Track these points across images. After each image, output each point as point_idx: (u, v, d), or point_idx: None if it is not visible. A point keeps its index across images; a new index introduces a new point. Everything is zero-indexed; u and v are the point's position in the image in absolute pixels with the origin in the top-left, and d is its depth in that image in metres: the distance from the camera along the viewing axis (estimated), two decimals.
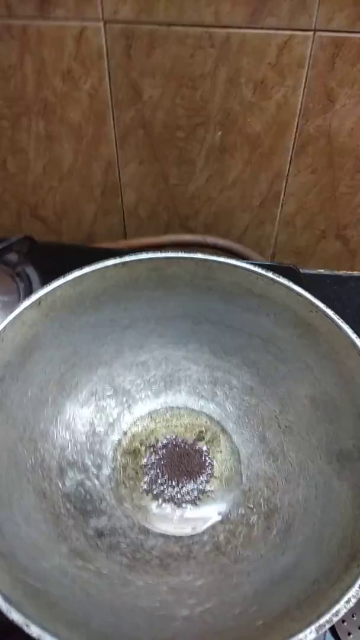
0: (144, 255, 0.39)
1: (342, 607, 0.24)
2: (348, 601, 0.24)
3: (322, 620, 0.24)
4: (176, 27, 0.47)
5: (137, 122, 0.54)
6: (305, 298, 0.37)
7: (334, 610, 0.24)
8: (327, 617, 0.24)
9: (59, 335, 0.38)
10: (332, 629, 0.36)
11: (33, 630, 0.23)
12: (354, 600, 0.24)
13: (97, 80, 0.52)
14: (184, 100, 0.52)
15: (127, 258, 0.39)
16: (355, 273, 0.65)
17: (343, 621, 0.35)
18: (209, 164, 0.56)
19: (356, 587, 0.25)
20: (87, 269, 0.38)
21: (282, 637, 0.23)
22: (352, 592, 0.25)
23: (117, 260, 0.39)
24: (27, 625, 0.24)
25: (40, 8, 0.47)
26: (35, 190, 0.62)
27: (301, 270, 0.57)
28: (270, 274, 0.38)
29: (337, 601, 0.24)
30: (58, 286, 0.37)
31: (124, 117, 0.54)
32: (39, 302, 0.37)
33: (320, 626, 0.24)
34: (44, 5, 0.47)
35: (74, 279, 0.38)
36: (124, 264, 0.39)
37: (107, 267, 0.38)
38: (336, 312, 0.36)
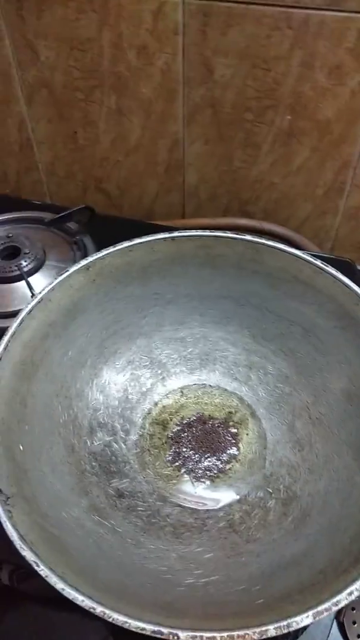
0: (193, 232, 0.39)
1: (343, 598, 0.24)
2: (350, 593, 0.24)
3: (320, 608, 0.24)
4: (254, 5, 0.46)
5: (207, 101, 0.54)
6: (352, 290, 0.36)
7: (334, 600, 0.24)
8: (326, 605, 0.24)
9: (103, 302, 0.40)
10: (341, 627, 0.35)
11: (42, 569, 0.25)
12: (356, 594, 0.24)
13: (171, 57, 0.52)
14: (256, 81, 0.51)
15: (176, 234, 0.39)
16: None
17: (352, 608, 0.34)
18: (275, 148, 0.56)
19: None
20: (136, 241, 0.39)
21: (278, 617, 0.24)
22: (356, 585, 0.24)
23: (166, 235, 0.39)
24: (37, 564, 0.25)
25: None
26: (102, 163, 0.63)
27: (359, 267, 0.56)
28: (318, 262, 0.37)
29: (339, 592, 0.24)
30: (107, 254, 0.38)
31: (194, 95, 0.54)
32: (87, 267, 0.38)
33: (318, 612, 0.23)
34: None
35: (123, 249, 0.39)
36: (173, 238, 0.39)
37: (156, 240, 0.39)
38: None
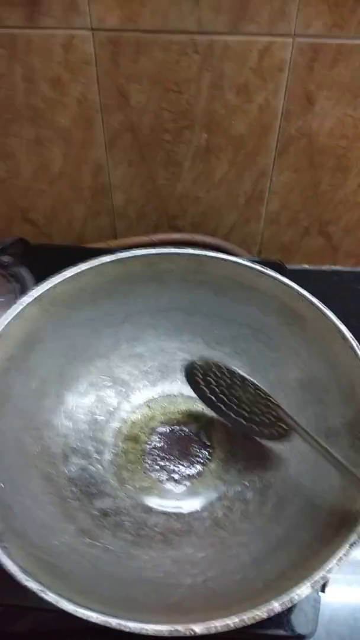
0: (138, 252, 0.41)
1: (333, 565, 0.26)
2: (339, 559, 0.27)
3: (316, 577, 0.26)
4: (161, 34, 0.49)
5: (125, 126, 0.56)
6: (292, 288, 0.39)
7: (326, 568, 0.26)
8: (321, 573, 0.26)
9: (58, 330, 0.40)
10: None
11: (50, 596, 0.25)
12: (344, 558, 0.27)
13: (86, 87, 0.54)
14: (170, 104, 0.54)
15: (122, 255, 0.41)
16: (337, 267, 0.68)
17: None
18: (195, 164, 0.59)
19: (346, 546, 0.27)
20: (84, 266, 0.40)
21: (279, 593, 0.26)
22: (342, 551, 0.27)
23: (114, 257, 0.41)
24: (44, 592, 0.25)
25: (29, 18, 0.49)
26: (25, 194, 0.63)
27: (287, 266, 0.60)
28: (258, 267, 0.40)
29: (328, 559, 0.26)
30: (58, 283, 0.39)
31: (113, 121, 0.56)
32: (40, 298, 0.38)
33: (316, 582, 0.26)
34: (33, 15, 0.49)
35: (73, 276, 0.39)
36: (120, 260, 0.41)
37: (104, 263, 0.40)
38: None
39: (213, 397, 0.39)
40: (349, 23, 0.47)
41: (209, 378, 0.39)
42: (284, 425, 0.35)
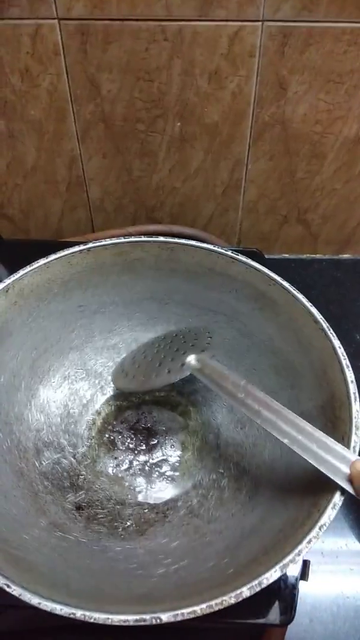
0: (108, 241, 0.41)
1: (304, 547, 0.26)
2: (309, 541, 0.26)
3: (286, 560, 0.25)
4: (129, 21, 0.49)
5: (97, 117, 0.55)
6: (263, 272, 0.38)
7: (296, 550, 0.26)
8: (290, 556, 0.25)
9: (28, 322, 0.40)
10: None
11: (14, 589, 0.25)
12: (314, 541, 0.26)
13: (56, 77, 0.53)
14: (142, 93, 0.53)
15: (91, 244, 0.40)
16: (317, 256, 0.67)
17: None
18: (170, 154, 0.58)
19: (316, 528, 0.26)
20: (52, 257, 0.39)
21: (249, 579, 0.25)
22: (313, 533, 0.26)
23: (82, 247, 0.40)
24: (8, 586, 0.25)
25: None
26: (0, 189, 0.63)
27: (266, 256, 0.60)
28: (229, 252, 0.39)
29: (299, 543, 0.26)
30: (25, 274, 0.38)
31: (84, 112, 0.55)
32: (6, 290, 0.38)
33: (284, 565, 0.25)
34: None
35: (40, 267, 0.39)
36: (88, 250, 0.40)
37: (73, 253, 0.40)
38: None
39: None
40: (318, 6, 0.47)
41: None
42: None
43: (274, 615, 0.33)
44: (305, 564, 0.35)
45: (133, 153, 0.58)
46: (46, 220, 0.66)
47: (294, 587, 0.35)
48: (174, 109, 0.54)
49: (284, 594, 0.34)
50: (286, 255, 0.67)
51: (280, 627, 0.35)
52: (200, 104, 0.54)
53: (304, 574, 0.36)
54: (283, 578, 0.32)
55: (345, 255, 0.68)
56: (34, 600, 0.24)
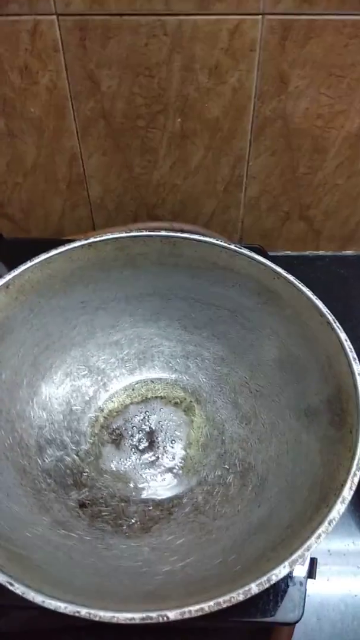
0: (109, 236, 0.40)
1: (313, 542, 0.25)
2: (318, 537, 0.26)
3: (295, 556, 0.25)
4: (128, 16, 0.48)
5: (97, 113, 0.55)
6: (267, 266, 0.38)
7: (305, 546, 0.25)
8: (299, 552, 0.25)
9: (29, 319, 0.39)
10: None
11: (17, 587, 0.24)
12: (323, 536, 0.26)
13: (55, 74, 0.52)
14: (142, 89, 0.53)
15: (92, 239, 0.40)
16: (320, 252, 0.67)
17: None
18: (171, 151, 0.58)
19: (325, 523, 0.26)
20: (53, 252, 0.39)
21: (258, 576, 0.25)
22: (322, 528, 0.26)
23: (83, 242, 0.39)
24: (11, 584, 0.24)
25: None
26: (0, 188, 0.62)
27: (269, 253, 0.59)
28: (232, 246, 0.39)
29: (308, 538, 0.25)
30: (25, 269, 0.38)
31: (84, 108, 0.55)
32: (7, 285, 0.37)
33: (293, 561, 0.25)
34: None
35: (41, 262, 0.38)
36: (90, 244, 0.39)
37: (74, 248, 0.39)
38: None
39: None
40: None
41: None
42: None
43: (282, 613, 0.32)
44: (313, 562, 0.34)
45: (133, 150, 0.58)
46: (47, 219, 0.65)
47: (301, 585, 0.34)
48: (174, 105, 0.54)
49: (291, 592, 0.34)
50: (289, 252, 0.66)
51: (288, 625, 0.34)
52: (200, 99, 0.53)
53: (311, 572, 0.36)
54: (290, 576, 0.32)
55: (349, 252, 0.67)
56: (38, 598, 0.24)
